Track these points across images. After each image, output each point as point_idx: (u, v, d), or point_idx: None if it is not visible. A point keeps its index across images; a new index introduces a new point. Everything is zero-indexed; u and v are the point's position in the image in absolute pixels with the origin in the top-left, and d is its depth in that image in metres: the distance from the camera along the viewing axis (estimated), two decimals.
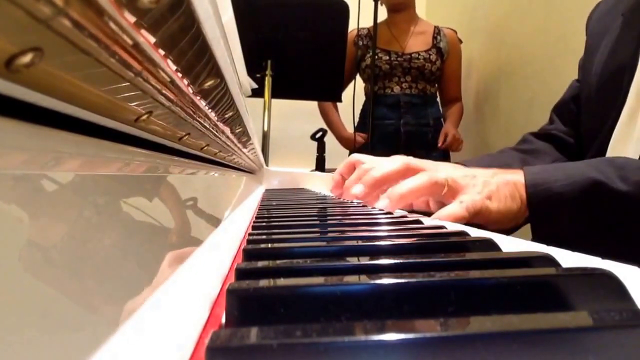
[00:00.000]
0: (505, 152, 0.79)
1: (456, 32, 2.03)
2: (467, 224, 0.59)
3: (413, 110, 1.95)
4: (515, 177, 0.56)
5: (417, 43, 1.97)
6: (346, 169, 0.72)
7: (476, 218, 0.52)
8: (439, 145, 1.88)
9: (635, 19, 0.63)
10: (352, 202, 0.66)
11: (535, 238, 0.52)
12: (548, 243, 0.51)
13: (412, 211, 0.61)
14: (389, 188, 0.55)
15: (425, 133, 1.94)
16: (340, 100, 2.00)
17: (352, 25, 1.78)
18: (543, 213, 0.52)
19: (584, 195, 0.50)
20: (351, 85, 2.01)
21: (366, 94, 2.00)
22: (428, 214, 0.56)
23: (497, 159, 0.74)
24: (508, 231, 0.58)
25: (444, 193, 0.53)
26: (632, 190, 0.49)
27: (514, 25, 1.92)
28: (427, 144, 1.92)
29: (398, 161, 0.58)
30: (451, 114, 2.01)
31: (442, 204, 0.55)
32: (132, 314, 0.14)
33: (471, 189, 0.53)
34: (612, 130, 0.63)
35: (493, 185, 0.54)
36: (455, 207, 0.51)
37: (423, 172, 0.55)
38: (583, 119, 0.75)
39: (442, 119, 2.02)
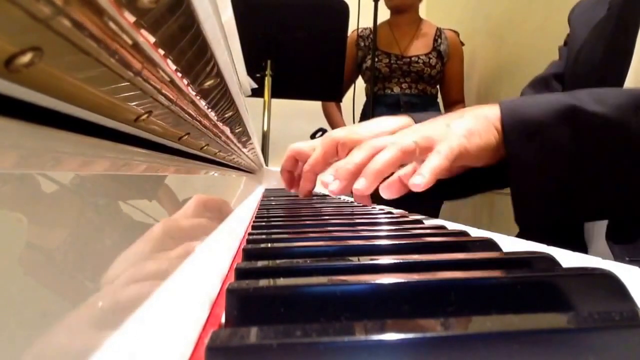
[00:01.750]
0: None
1: (458, 34, 2.03)
2: (457, 176, 0.58)
3: (413, 110, 1.95)
4: (487, 111, 0.54)
5: (417, 46, 1.97)
6: (289, 162, 0.70)
7: (458, 161, 0.51)
8: None
9: (623, 11, 0.62)
10: (351, 201, 0.66)
11: (513, 170, 0.51)
12: (528, 176, 0.50)
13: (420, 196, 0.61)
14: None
15: None
16: (340, 100, 2.00)
17: (352, 26, 1.78)
18: (518, 139, 0.51)
19: (559, 118, 0.49)
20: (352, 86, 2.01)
21: (367, 95, 2.01)
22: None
23: None
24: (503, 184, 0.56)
25: (419, 154, 0.52)
26: (610, 112, 0.47)
27: (515, 26, 1.92)
28: None
29: (365, 147, 0.56)
30: None
31: (422, 161, 0.55)
32: (131, 314, 0.14)
33: (444, 135, 0.52)
34: None
35: (464, 124, 0.53)
36: (434, 159, 0.49)
37: (391, 144, 0.53)
38: None
39: None
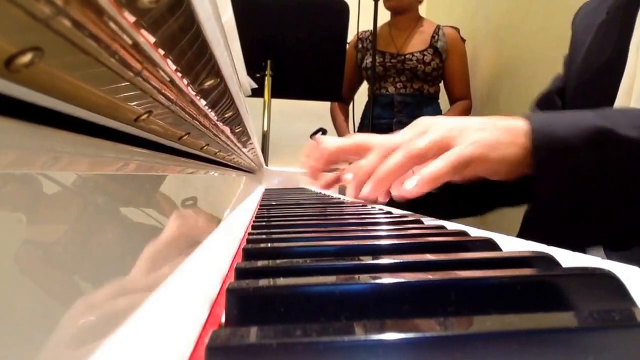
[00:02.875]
0: None
1: (458, 30, 2.02)
2: (464, 183, 0.56)
3: (407, 109, 1.95)
4: (513, 124, 0.51)
5: (414, 44, 1.97)
6: (312, 150, 0.68)
7: (469, 170, 0.49)
8: None
9: (620, 15, 0.62)
10: (351, 201, 0.66)
11: (539, 189, 0.49)
12: (552, 197, 0.49)
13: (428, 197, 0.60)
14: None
15: None
16: (340, 100, 2.00)
17: (352, 27, 1.78)
18: (547, 159, 0.48)
19: (590, 142, 0.46)
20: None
21: (368, 95, 2.01)
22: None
23: None
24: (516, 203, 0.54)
25: (432, 157, 0.49)
26: None
27: (515, 26, 1.92)
28: None
29: (376, 151, 0.54)
30: (450, 114, 2.00)
31: None
32: (132, 314, 0.14)
33: (462, 140, 0.49)
34: None
35: (487, 133, 0.50)
36: (434, 164, 0.47)
37: (403, 146, 0.51)
38: None
39: None
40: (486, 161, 0.49)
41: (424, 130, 0.53)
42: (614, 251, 0.51)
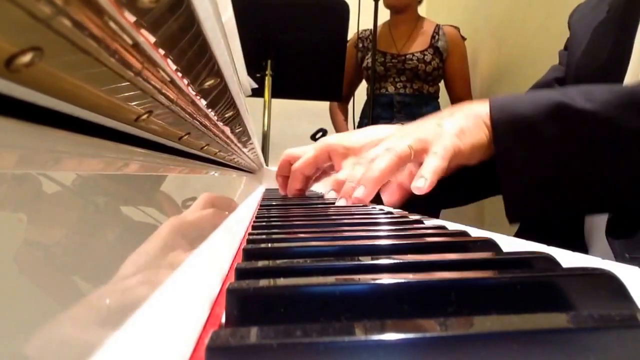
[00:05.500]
0: None
1: (459, 30, 2.02)
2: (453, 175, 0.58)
3: (406, 109, 1.95)
4: (478, 108, 0.54)
5: (414, 44, 1.97)
6: (283, 169, 0.73)
7: (453, 160, 0.51)
8: None
9: (620, 14, 0.62)
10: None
11: (502, 165, 0.51)
12: (513, 172, 0.51)
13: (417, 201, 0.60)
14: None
15: None
16: (340, 100, 2.00)
17: (352, 26, 1.78)
18: (507, 135, 0.51)
19: (548, 117, 0.49)
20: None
21: (367, 95, 2.01)
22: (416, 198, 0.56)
23: None
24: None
25: (414, 157, 0.52)
26: (599, 108, 0.47)
27: (515, 26, 1.92)
28: None
29: (363, 161, 0.56)
30: None
31: (419, 164, 0.55)
32: (132, 314, 0.14)
33: (438, 137, 0.52)
34: None
35: (456, 122, 0.53)
36: (432, 161, 0.49)
37: (386, 147, 0.53)
38: None
39: None
40: (462, 149, 0.51)
41: (399, 135, 0.55)
42: (617, 239, 0.51)
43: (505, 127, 0.51)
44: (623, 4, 0.61)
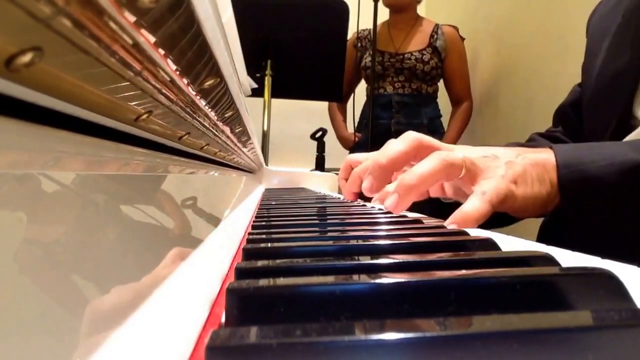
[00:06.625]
0: (513, 146, 0.72)
1: (457, 29, 2.02)
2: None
3: (405, 109, 1.95)
4: (544, 156, 0.47)
5: (413, 43, 1.97)
6: (344, 172, 0.66)
7: (501, 207, 0.44)
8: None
9: (635, 18, 0.61)
10: (351, 201, 0.66)
11: (568, 228, 0.46)
12: (581, 234, 0.46)
13: (429, 199, 0.56)
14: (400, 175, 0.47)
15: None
16: (340, 100, 2.00)
17: (351, 26, 1.78)
18: (576, 198, 0.44)
19: (624, 180, 0.43)
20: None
21: (367, 95, 2.01)
22: (441, 206, 0.52)
23: None
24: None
25: (462, 177, 0.45)
26: None
27: (515, 26, 1.92)
28: None
29: (407, 139, 0.49)
30: (454, 123, 1.99)
31: (458, 189, 0.49)
32: (131, 314, 0.14)
33: (493, 172, 0.45)
34: (615, 133, 0.60)
35: (518, 167, 0.46)
36: (477, 203, 0.42)
37: (435, 152, 0.46)
38: (585, 123, 0.70)
39: (440, 119, 2.01)
40: (515, 196, 0.45)
41: (451, 148, 0.48)
42: None
43: (576, 189, 0.45)
44: (638, 8, 0.60)
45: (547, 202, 0.46)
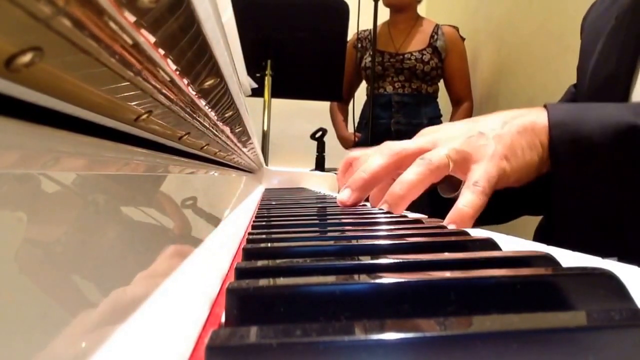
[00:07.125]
0: None
1: (458, 29, 2.02)
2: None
3: (405, 109, 1.95)
4: (532, 118, 0.46)
5: (413, 43, 1.97)
6: (344, 169, 0.65)
7: (496, 187, 0.44)
8: None
9: (629, 22, 0.60)
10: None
11: (556, 194, 0.45)
12: (570, 200, 0.44)
13: (429, 194, 0.56)
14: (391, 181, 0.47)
15: None
16: (340, 100, 2.00)
17: (352, 26, 1.78)
18: (567, 160, 0.43)
19: (618, 143, 0.41)
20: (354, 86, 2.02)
21: (367, 95, 2.01)
22: (441, 204, 0.51)
23: None
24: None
25: (451, 170, 0.45)
26: None
27: (515, 26, 1.92)
28: None
29: (385, 153, 0.49)
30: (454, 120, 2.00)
31: (451, 177, 0.48)
32: (132, 313, 0.14)
33: (482, 152, 0.44)
34: None
35: (507, 139, 0.45)
36: (470, 197, 0.42)
37: (418, 158, 0.46)
38: None
39: (440, 119, 2.02)
40: (509, 174, 0.44)
41: (437, 140, 0.48)
42: None
43: (567, 151, 0.44)
44: (630, 13, 0.60)
45: (540, 166, 0.46)
